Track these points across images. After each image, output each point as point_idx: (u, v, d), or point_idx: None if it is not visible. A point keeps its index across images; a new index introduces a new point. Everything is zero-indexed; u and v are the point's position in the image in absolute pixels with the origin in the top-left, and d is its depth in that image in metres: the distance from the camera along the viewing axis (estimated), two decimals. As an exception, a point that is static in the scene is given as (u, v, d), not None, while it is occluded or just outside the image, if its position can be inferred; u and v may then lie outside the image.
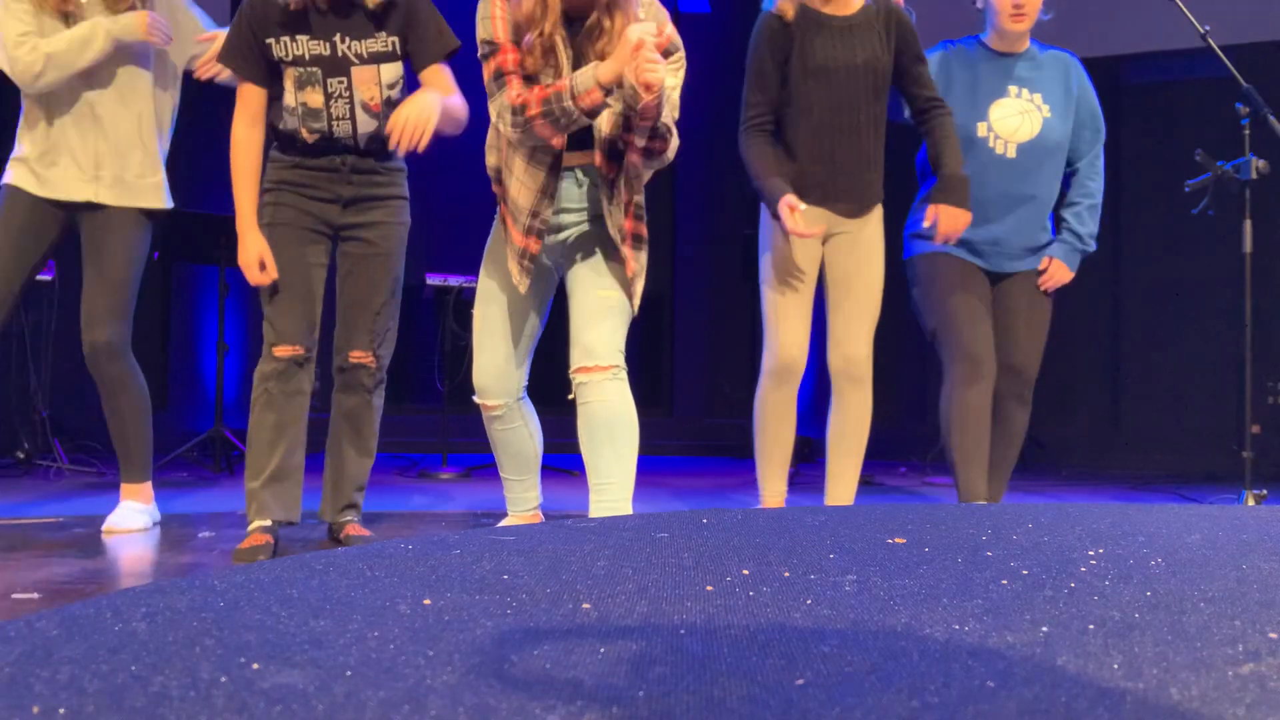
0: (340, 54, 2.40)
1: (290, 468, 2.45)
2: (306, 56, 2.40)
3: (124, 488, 2.80)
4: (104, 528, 2.71)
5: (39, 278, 4.29)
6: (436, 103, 2.35)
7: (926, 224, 2.73)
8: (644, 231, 2.38)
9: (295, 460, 2.46)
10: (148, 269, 2.78)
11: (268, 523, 2.42)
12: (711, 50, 5.87)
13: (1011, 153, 2.83)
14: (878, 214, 2.82)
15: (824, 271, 2.83)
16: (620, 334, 2.33)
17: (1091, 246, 2.94)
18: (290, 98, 2.42)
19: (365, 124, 2.46)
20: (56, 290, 4.43)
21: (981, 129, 2.85)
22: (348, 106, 2.43)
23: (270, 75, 2.44)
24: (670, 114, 2.27)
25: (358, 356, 2.53)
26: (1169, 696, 0.85)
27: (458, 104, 2.48)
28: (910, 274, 2.97)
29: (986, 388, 2.83)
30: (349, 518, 2.62)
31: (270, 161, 2.51)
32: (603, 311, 2.32)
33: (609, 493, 2.28)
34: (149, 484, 2.83)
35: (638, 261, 2.34)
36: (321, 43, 2.40)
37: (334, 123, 2.44)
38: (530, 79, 2.21)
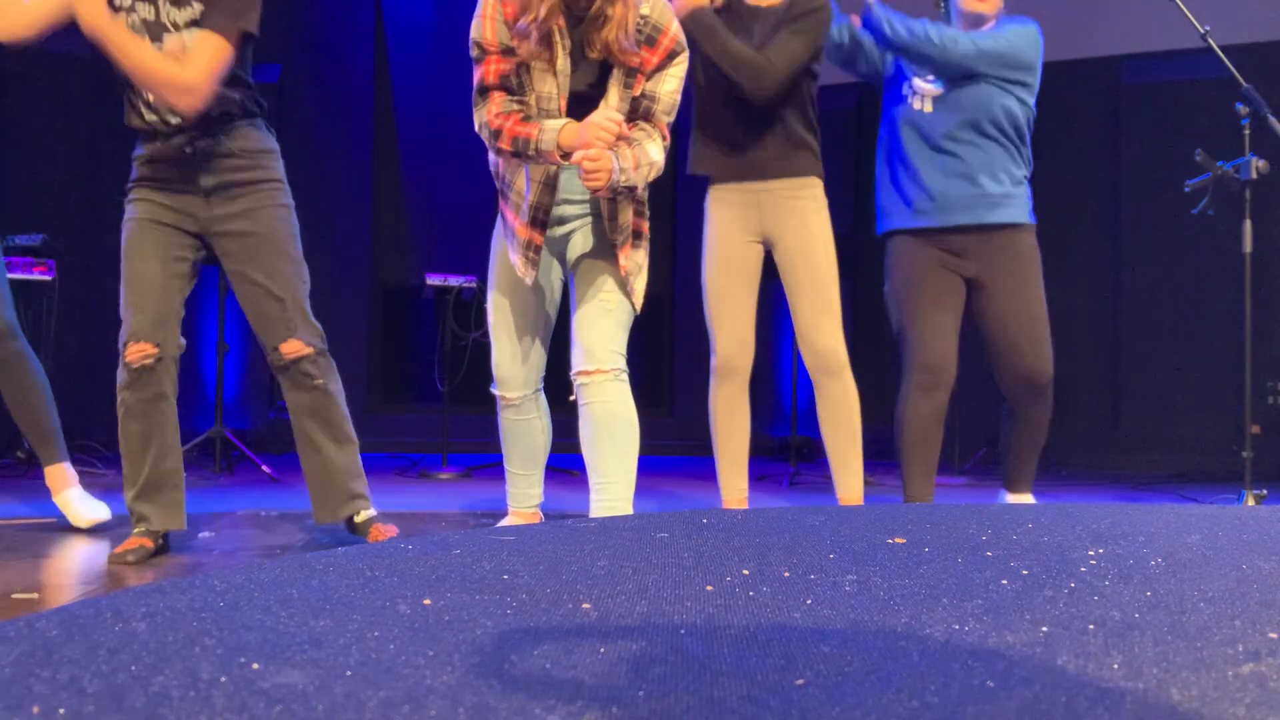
0: (160, 19, 2.29)
1: (163, 474, 2.39)
2: (137, 10, 2.29)
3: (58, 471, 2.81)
4: (84, 522, 2.75)
5: (39, 278, 4.30)
6: None
7: None
8: (645, 228, 2.39)
9: (168, 466, 2.39)
10: None
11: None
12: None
13: (929, 107, 2.87)
14: (809, 192, 2.78)
15: (777, 267, 2.84)
16: (621, 335, 2.34)
17: (869, 15, 2.83)
18: None
19: None
20: (56, 290, 4.43)
21: (904, 89, 2.92)
22: None
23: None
24: (666, 117, 2.29)
25: (290, 349, 2.41)
26: (1169, 696, 0.85)
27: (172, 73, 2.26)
28: (887, 260, 2.98)
29: (942, 395, 2.86)
30: (364, 513, 2.52)
31: (134, 159, 2.43)
32: (603, 314, 2.32)
33: (609, 492, 2.28)
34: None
35: (632, 260, 2.35)
36: (148, 6, 2.29)
37: None
38: (523, 69, 2.22)
